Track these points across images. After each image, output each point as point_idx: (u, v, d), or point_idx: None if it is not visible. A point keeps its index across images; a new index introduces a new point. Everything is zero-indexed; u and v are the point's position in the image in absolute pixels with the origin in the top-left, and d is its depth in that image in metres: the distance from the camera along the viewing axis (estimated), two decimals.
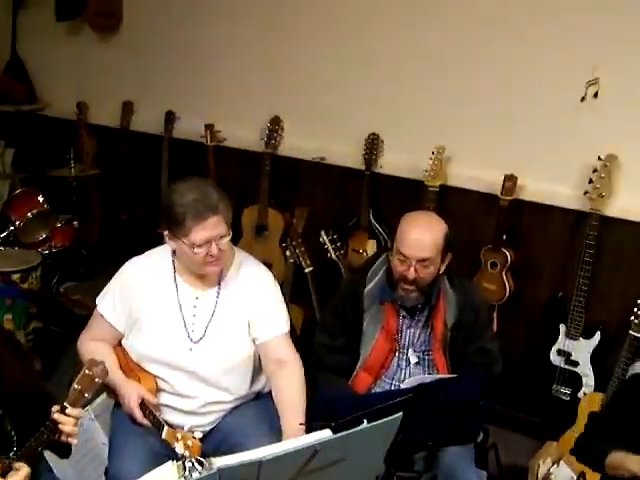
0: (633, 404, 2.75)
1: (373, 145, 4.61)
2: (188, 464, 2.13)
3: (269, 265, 3.74)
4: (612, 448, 2.72)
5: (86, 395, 2.40)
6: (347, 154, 4.74)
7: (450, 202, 4.44)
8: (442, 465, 3.05)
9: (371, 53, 4.58)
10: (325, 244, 4.47)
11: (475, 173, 4.38)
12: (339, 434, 2.10)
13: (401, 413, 2.30)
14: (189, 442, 2.69)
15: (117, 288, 3.12)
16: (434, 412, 2.77)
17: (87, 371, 2.40)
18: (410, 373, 3.25)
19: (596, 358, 4.17)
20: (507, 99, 4.23)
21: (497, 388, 2.84)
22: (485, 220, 4.37)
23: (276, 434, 2.93)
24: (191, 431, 2.83)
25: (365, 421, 2.21)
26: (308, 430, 2.70)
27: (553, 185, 4.19)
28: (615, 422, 2.79)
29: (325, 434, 2.16)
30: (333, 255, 4.46)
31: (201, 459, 2.15)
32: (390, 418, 2.24)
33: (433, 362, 3.25)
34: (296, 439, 2.40)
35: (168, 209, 2.90)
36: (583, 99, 4.01)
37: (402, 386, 2.94)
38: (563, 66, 4.05)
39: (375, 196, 4.66)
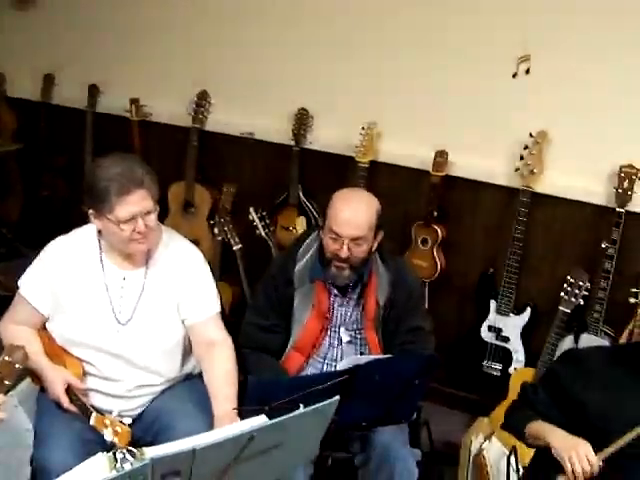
0: (562, 379, 2.74)
1: (302, 120, 4.53)
2: (119, 455, 2.06)
3: (197, 243, 3.66)
4: (536, 418, 2.72)
5: (7, 382, 2.31)
6: (276, 129, 4.66)
7: (381, 178, 4.40)
8: (376, 445, 3.02)
9: (302, 27, 4.50)
10: (254, 221, 4.41)
11: (406, 149, 4.34)
12: (276, 420, 2.04)
13: (338, 397, 2.25)
14: (117, 428, 2.61)
15: (40, 269, 3.01)
16: (369, 392, 2.74)
17: (6, 357, 2.30)
18: (342, 352, 3.22)
19: (526, 334, 4.20)
20: (439, 75, 4.20)
21: (434, 367, 2.81)
22: (416, 196, 4.35)
23: (207, 415, 2.87)
24: (120, 416, 2.75)
25: (302, 406, 2.15)
26: (241, 414, 2.63)
27: (484, 161, 4.18)
28: (544, 395, 2.78)
29: (261, 420, 2.10)
30: (262, 232, 4.40)
31: (132, 449, 2.08)
32: (327, 402, 2.18)
33: (365, 340, 3.22)
34: (232, 425, 2.33)
35: (91, 185, 2.80)
36: (515, 75, 4.00)
37: (337, 367, 2.90)
38: (495, 42, 4.03)
39: (305, 172, 4.60)
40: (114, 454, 2.08)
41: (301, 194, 4.59)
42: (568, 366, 2.79)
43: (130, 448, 2.09)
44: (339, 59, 4.43)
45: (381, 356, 2.91)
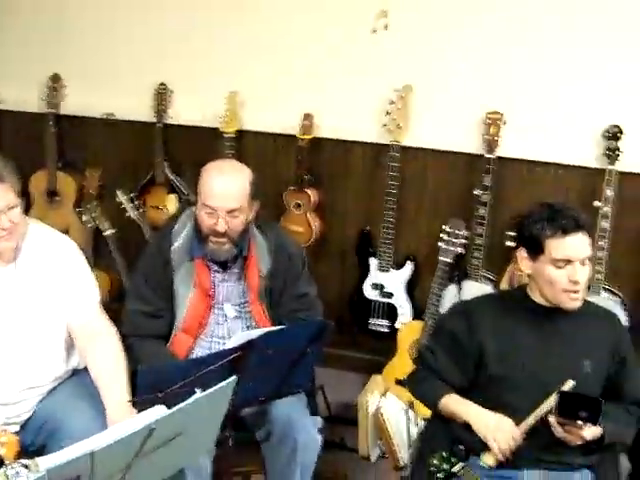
0: (457, 335, 2.76)
1: (162, 96, 4.42)
2: (11, 471, 1.92)
3: (66, 232, 3.52)
4: (446, 390, 2.74)
5: None
6: (136, 107, 4.52)
7: (248, 147, 4.35)
8: (276, 418, 2.97)
9: (150, 4, 4.38)
10: (123, 204, 4.26)
11: (271, 115, 4.29)
12: (174, 408, 1.95)
13: (235, 377, 2.18)
14: (4, 439, 2.47)
15: None
16: (264, 367, 2.68)
17: None
18: (229, 328, 3.14)
19: (410, 287, 4.23)
20: (295, 37, 4.16)
21: (326, 333, 2.77)
22: (286, 162, 4.31)
23: (99, 410, 2.75)
24: (5, 425, 2.61)
25: (199, 390, 2.07)
26: (135, 405, 2.53)
27: (351, 120, 4.17)
28: (445, 358, 2.79)
29: (159, 410, 2.00)
30: (132, 214, 4.27)
31: (26, 462, 1.95)
32: (225, 382, 2.11)
33: (251, 314, 3.15)
34: (129, 420, 2.23)
35: None
36: (374, 31, 3.97)
37: (228, 345, 2.82)
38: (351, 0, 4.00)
39: (170, 149, 4.48)
40: (5, 472, 1.95)
41: (168, 171, 4.47)
42: (460, 320, 2.79)
43: (23, 461, 1.95)
44: (193, 33, 4.34)
45: (272, 328, 2.84)
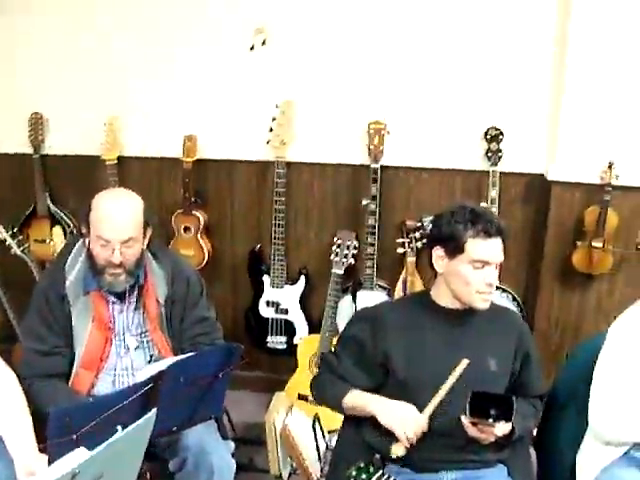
0: (361, 340, 2.77)
1: (37, 125, 4.28)
2: None
3: None
4: (349, 388, 2.74)
5: None
6: (11, 138, 4.37)
7: (131, 173, 4.28)
8: (190, 446, 2.91)
9: (28, 29, 4.25)
10: (6, 240, 4.10)
11: (153, 139, 4.23)
12: (98, 449, 1.89)
13: (155, 410, 2.13)
14: None
15: None
16: (176, 396, 2.63)
17: None
18: (132, 359, 3.07)
19: (305, 302, 4.23)
20: (172, 57, 4.13)
21: (236, 356, 2.74)
22: (171, 186, 4.27)
23: (5, 461, 2.62)
24: None
25: (120, 428, 2.01)
26: (45, 451, 2.43)
27: (235, 139, 4.17)
28: (348, 363, 2.80)
29: (82, 453, 1.93)
30: (17, 250, 4.09)
31: None
32: (146, 417, 2.06)
33: (153, 343, 3.09)
34: (52, 467, 2.14)
35: None
36: (252, 48, 3.97)
37: (138, 378, 2.75)
38: (227, 17, 4.00)
39: (50, 179, 4.36)
40: None
41: (50, 203, 4.34)
42: (363, 325, 2.81)
43: None
44: (70, 59, 4.24)
45: (182, 356, 2.80)
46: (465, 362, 2.61)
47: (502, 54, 3.89)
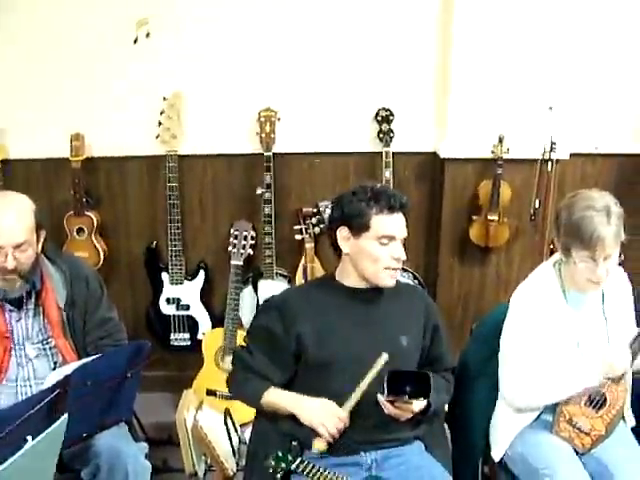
0: (271, 329, 2.75)
1: None
2: None
3: None
4: (266, 386, 2.72)
5: None
6: None
7: (18, 176, 4.12)
8: (102, 451, 2.81)
9: None
10: None
11: (39, 139, 4.08)
12: (7, 462, 1.80)
13: (66, 415, 2.06)
14: None
15: None
16: (85, 401, 2.55)
17: None
18: (34, 369, 2.95)
19: (206, 296, 4.18)
20: (54, 54, 3.97)
21: (144, 355, 2.68)
22: (61, 187, 4.13)
23: None
24: None
25: (30, 438, 1.92)
26: None
27: (124, 135, 4.06)
28: (261, 355, 2.77)
29: None
30: None
31: None
32: (56, 424, 1.99)
33: (56, 349, 2.98)
34: None
35: None
36: (136, 41, 3.88)
37: (45, 385, 2.65)
38: (108, 10, 3.89)
39: None
40: None
41: None
42: (272, 314, 2.79)
43: None
44: None
45: (87, 359, 2.71)
46: (385, 357, 2.61)
47: (387, 34, 3.93)
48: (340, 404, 2.61)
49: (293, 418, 2.67)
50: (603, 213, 2.66)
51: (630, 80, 4.06)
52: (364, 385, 2.59)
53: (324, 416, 2.59)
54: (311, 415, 2.61)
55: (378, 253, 2.66)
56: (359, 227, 2.67)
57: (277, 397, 2.71)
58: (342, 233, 2.71)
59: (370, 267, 2.69)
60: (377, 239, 2.65)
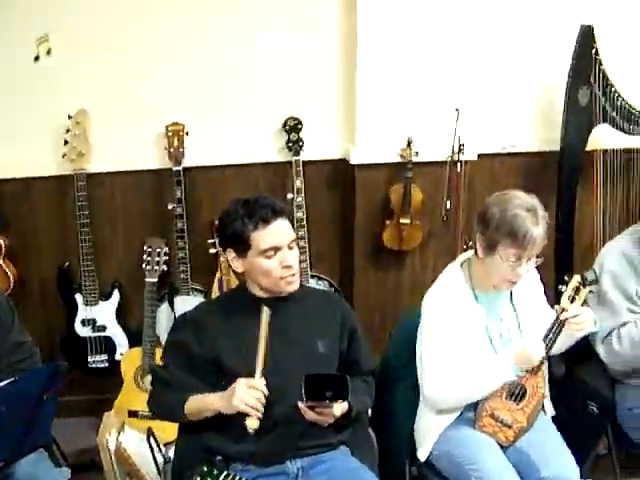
0: (187, 345, 2.72)
1: None
2: None
3: None
4: (186, 395, 2.68)
5: None
6: None
7: None
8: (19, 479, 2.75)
9: None
10: None
11: None
12: None
13: None
14: None
15: None
16: (0, 427, 2.47)
17: None
18: None
19: (122, 315, 4.11)
20: None
21: (61, 376, 2.61)
22: None
23: None
24: None
25: None
26: None
27: (29, 155, 3.95)
28: (179, 371, 2.74)
29: None
30: None
31: None
32: None
33: None
34: None
35: None
36: (37, 58, 3.80)
37: None
38: (9, 28, 3.80)
39: None
40: None
41: None
42: (186, 329, 2.77)
43: None
44: None
45: (0, 384, 2.63)
46: (266, 311, 2.61)
47: (291, 43, 3.93)
48: (266, 411, 2.57)
49: (215, 430, 2.65)
50: (533, 214, 2.73)
51: (534, 80, 4.16)
52: (262, 345, 2.57)
53: (241, 393, 2.54)
54: (229, 400, 2.56)
55: (268, 267, 2.66)
56: (241, 248, 2.67)
57: (198, 403, 2.67)
58: (230, 255, 2.73)
59: (265, 281, 2.70)
60: (262, 254, 2.65)
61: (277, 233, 2.65)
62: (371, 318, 4.11)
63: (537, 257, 2.81)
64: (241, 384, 2.55)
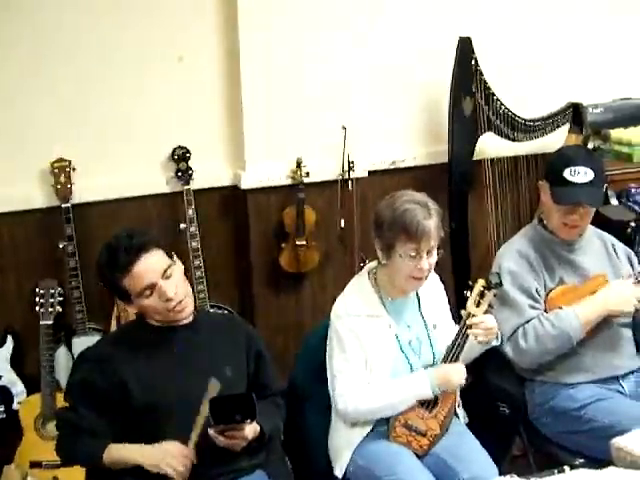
0: (92, 382, 2.65)
1: None
2: None
3: None
4: (103, 443, 2.62)
5: None
6: None
7: None
8: None
9: None
10: None
11: None
12: None
13: None
14: None
15: None
16: None
17: None
18: None
19: (17, 362, 3.95)
20: None
21: None
22: None
23: None
24: None
25: None
26: None
27: None
28: (87, 411, 2.66)
29: None
30: None
31: None
32: None
33: None
34: None
35: None
36: None
37: None
38: None
39: None
40: None
41: None
42: (87, 367, 2.72)
43: None
44: None
45: None
46: (214, 382, 2.57)
47: (173, 70, 3.88)
48: (185, 442, 2.56)
49: (132, 474, 2.58)
50: (424, 207, 2.78)
51: (419, 94, 4.25)
52: (202, 417, 2.55)
53: (169, 458, 2.53)
54: (156, 460, 2.54)
55: (151, 304, 2.65)
56: (121, 295, 2.67)
57: (119, 453, 2.61)
58: (119, 301, 2.71)
59: (157, 316, 2.70)
60: (140, 295, 2.63)
61: (144, 273, 2.61)
62: (275, 342, 4.07)
63: (438, 249, 2.85)
64: (174, 452, 2.54)
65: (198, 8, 3.86)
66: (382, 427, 2.90)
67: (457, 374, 2.87)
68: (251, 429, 2.59)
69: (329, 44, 3.92)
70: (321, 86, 3.94)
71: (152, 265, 2.62)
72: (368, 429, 2.90)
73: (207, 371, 2.66)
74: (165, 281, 2.63)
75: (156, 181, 3.95)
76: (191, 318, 2.74)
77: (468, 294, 2.89)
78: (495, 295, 2.93)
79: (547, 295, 3.26)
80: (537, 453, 3.32)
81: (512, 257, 3.29)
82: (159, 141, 3.91)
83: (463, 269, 4.14)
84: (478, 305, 2.87)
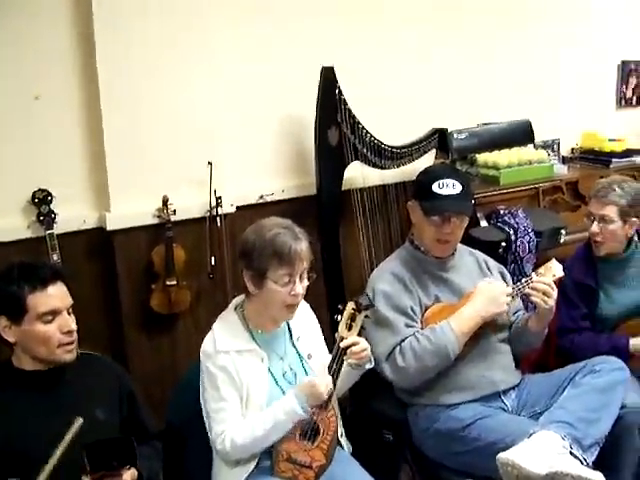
0: None
1: None
2: None
3: None
4: None
5: None
6: None
7: None
8: None
9: None
10: None
11: None
12: None
13: None
14: None
15: None
16: None
17: None
18: None
19: None
20: None
21: None
22: None
23: None
24: None
25: None
26: None
27: None
28: None
29: None
30: None
31: None
32: None
33: None
34: None
35: None
36: None
37: None
38: None
39: None
40: None
41: None
42: None
43: None
44: None
45: None
46: (79, 421, 2.44)
47: (30, 110, 3.72)
48: None
49: None
50: (291, 230, 2.76)
51: (286, 125, 4.29)
52: (56, 455, 2.39)
53: None
54: None
55: (46, 333, 2.53)
56: (16, 313, 2.52)
57: None
58: (1, 324, 2.54)
59: (43, 350, 2.56)
60: (39, 319, 2.52)
61: (56, 296, 2.54)
62: (149, 386, 3.93)
63: (309, 273, 2.83)
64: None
65: (56, 49, 3.73)
66: (266, 462, 2.83)
67: (321, 380, 2.80)
68: (130, 474, 2.48)
69: (190, 79, 3.87)
70: (185, 122, 3.88)
71: (64, 293, 2.57)
72: (252, 466, 2.82)
73: (79, 415, 2.53)
74: (68, 315, 2.57)
75: (17, 226, 3.75)
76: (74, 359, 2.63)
77: (339, 318, 2.86)
78: (367, 317, 2.91)
79: (424, 314, 3.28)
80: (425, 478, 3.30)
81: (386, 279, 3.30)
82: (18, 184, 3.73)
83: (338, 299, 4.13)
84: (350, 328, 2.84)
